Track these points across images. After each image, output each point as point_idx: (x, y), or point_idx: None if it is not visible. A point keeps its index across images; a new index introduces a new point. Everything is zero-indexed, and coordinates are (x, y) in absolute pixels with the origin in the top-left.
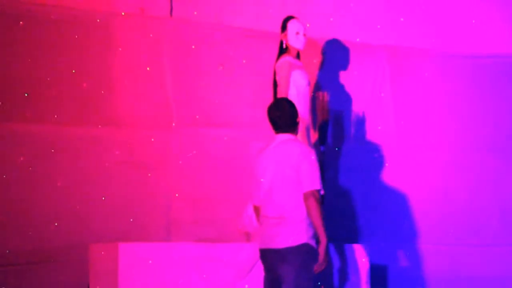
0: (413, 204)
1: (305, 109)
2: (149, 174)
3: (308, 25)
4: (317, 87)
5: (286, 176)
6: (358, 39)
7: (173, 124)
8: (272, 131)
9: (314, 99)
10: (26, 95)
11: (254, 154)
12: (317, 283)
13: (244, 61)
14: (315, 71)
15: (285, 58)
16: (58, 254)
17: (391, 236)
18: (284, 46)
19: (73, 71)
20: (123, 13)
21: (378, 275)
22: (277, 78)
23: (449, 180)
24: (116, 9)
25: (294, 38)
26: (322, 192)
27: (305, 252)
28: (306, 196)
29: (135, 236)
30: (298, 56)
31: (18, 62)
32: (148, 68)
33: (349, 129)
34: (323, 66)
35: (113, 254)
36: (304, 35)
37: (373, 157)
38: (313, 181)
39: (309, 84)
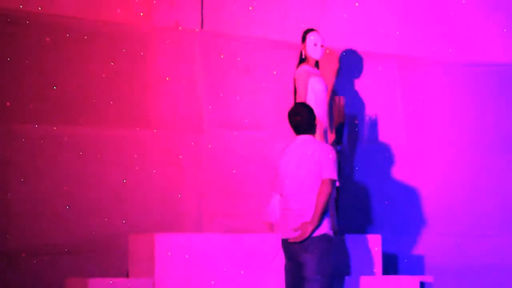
0: (421, 198)
1: (322, 113)
2: (183, 172)
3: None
4: (334, 93)
5: (308, 172)
6: (371, 49)
7: (204, 127)
8: (293, 133)
9: (331, 103)
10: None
11: (277, 153)
12: (336, 269)
13: (272, 71)
14: (332, 78)
15: (304, 67)
16: (100, 244)
17: (401, 227)
18: (303, 56)
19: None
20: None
21: (389, 263)
22: (296, 85)
23: (454, 177)
24: (153, 23)
25: (312, 49)
26: (337, 184)
27: (325, 242)
28: (323, 182)
29: (170, 228)
30: (316, 64)
31: (60, 70)
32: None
33: (363, 130)
34: (340, 74)
35: (150, 244)
36: (322, 46)
37: (384, 156)
38: (331, 171)
39: (326, 90)
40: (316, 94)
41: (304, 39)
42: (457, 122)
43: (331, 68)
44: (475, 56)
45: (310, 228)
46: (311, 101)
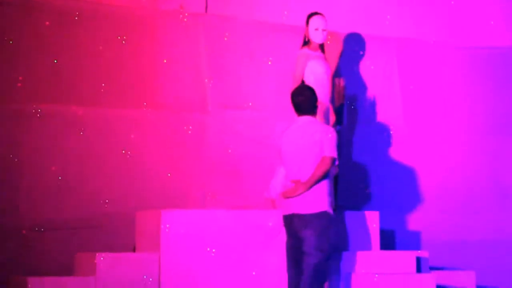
0: (417, 177)
1: (323, 94)
2: (187, 151)
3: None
4: (335, 75)
5: (309, 151)
6: (370, 32)
7: (208, 107)
8: (295, 114)
9: (332, 85)
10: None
11: (279, 133)
12: (334, 245)
13: (275, 53)
14: (332, 60)
15: (303, 50)
16: (109, 220)
17: (398, 205)
18: (306, 39)
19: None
20: None
21: (386, 238)
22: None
23: (449, 156)
24: (158, 6)
25: (314, 33)
26: (337, 163)
27: (325, 218)
28: (323, 158)
29: (175, 205)
30: (322, 48)
31: (65, 51)
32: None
33: (362, 111)
34: (341, 57)
35: (156, 220)
36: (323, 30)
37: (382, 136)
38: (331, 150)
39: (327, 72)
40: (316, 77)
41: (307, 22)
42: (453, 103)
43: (331, 50)
44: (473, 39)
45: (301, 189)
46: (310, 83)
